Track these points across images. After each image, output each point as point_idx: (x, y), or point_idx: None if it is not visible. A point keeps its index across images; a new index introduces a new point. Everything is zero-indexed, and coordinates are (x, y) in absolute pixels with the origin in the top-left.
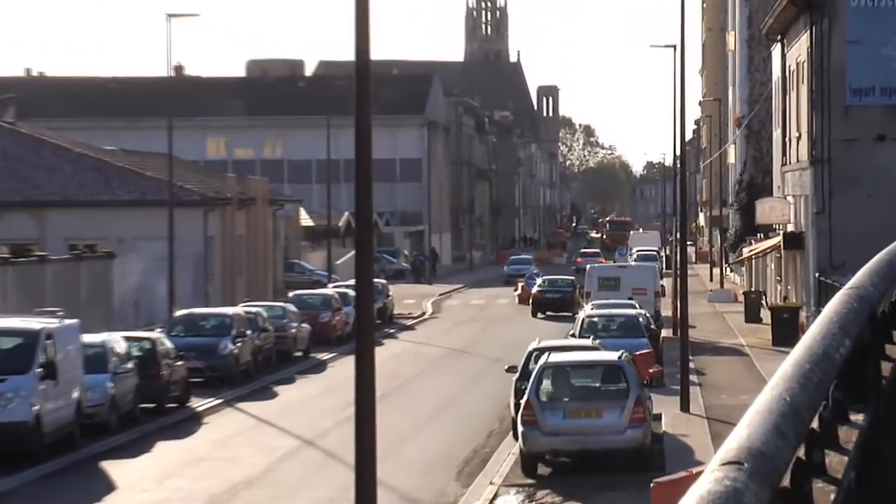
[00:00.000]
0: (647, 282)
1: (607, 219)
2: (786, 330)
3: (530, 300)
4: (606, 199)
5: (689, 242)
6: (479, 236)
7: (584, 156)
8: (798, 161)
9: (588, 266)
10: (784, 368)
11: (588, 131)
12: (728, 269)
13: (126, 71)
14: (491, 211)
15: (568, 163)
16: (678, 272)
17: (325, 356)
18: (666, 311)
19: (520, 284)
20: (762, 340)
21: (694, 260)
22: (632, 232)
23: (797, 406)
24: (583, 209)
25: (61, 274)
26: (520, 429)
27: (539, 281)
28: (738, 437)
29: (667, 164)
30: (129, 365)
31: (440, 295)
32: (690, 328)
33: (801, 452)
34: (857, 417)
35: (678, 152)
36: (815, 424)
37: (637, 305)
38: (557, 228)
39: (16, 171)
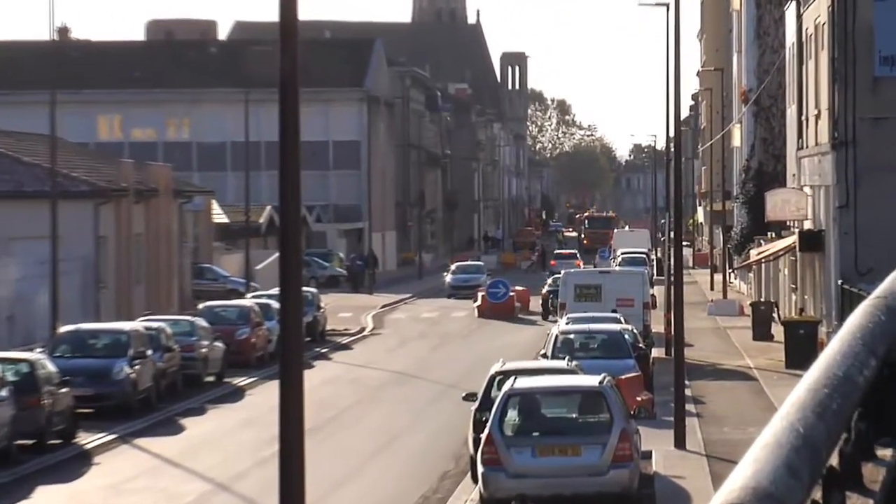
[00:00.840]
0: (635, 291)
1: (586, 214)
2: (802, 349)
3: (542, 302)
4: (585, 191)
5: (684, 243)
6: (430, 236)
7: (558, 138)
8: (817, 144)
9: (563, 271)
10: (797, 394)
11: (563, 108)
12: (732, 275)
13: None
14: (445, 205)
15: (538, 146)
16: (672, 279)
17: (242, 381)
18: (657, 327)
19: (480, 294)
20: (773, 362)
21: (691, 264)
22: (616, 230)
23: (812, 439)
24: (556, 202)
25: None
26: (479, 469)
27: (550, 280)
28: (743, 476)
29: (658, 147)
30: (3, 393)
31: (383, 307)
32: (687, 347)
33: (817, 494)
34: (885, 453)
35: (672, 133)
36: (833, 461)
37: (622, 319)
38: (525, 226)
39: None
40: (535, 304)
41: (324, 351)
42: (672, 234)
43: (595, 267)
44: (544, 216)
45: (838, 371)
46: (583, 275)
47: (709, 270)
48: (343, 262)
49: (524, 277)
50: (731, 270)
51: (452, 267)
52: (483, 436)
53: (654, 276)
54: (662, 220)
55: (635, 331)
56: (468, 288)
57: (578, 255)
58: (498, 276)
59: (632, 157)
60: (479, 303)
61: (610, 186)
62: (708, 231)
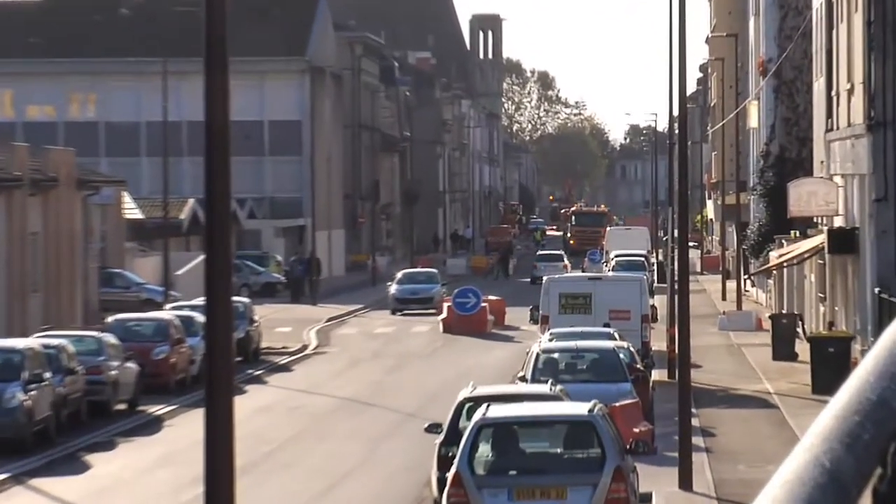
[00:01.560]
0: (631, 301)
1: (573, 209)
2: (832, 370)
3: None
4: (572, 181)
5: (691, 244)
6: (386, 235)
7: (540, 117)
8: (850, 125)
9: (545, 277)
10: (823, 422)
11: (545, 82)
12: (749, 281)
13: None
14: (404, 197)
15: (516, 127)
16: (676, 287)
17: (159, 410)
18: (658, 344)
19: (445, 306)
20: (798, 386)
21: (699, 269)
22: (609, 228)
23: (840, 475)
24: (537, 195)
25: None
26: None
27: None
28: None
29: (659, 129)
30: None
31: (329, 320)
32: (694, 368)
33: None
34: None
35: (676, 112)
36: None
37: (616, 335)
38: (500, 223)
39: None
40: (514, 316)
41: (258, 373)
42: (676, 232)
43: (584, 272)
44: (520, 212)
45: (871, 395)
46: (569, 281)
47: (720, 276)
48: (281, 267)
49: (499, 284)
50: (746, 276)
51: (398, 275)
52: (449, 475)
53: (655, 284)
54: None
55: (632, 349)
56: (419, 301)
57: (565, 258)
58: (467, 283)
59: (627, 140)
60: (444, 315)
61: (602, 176)
62: (719, 229)
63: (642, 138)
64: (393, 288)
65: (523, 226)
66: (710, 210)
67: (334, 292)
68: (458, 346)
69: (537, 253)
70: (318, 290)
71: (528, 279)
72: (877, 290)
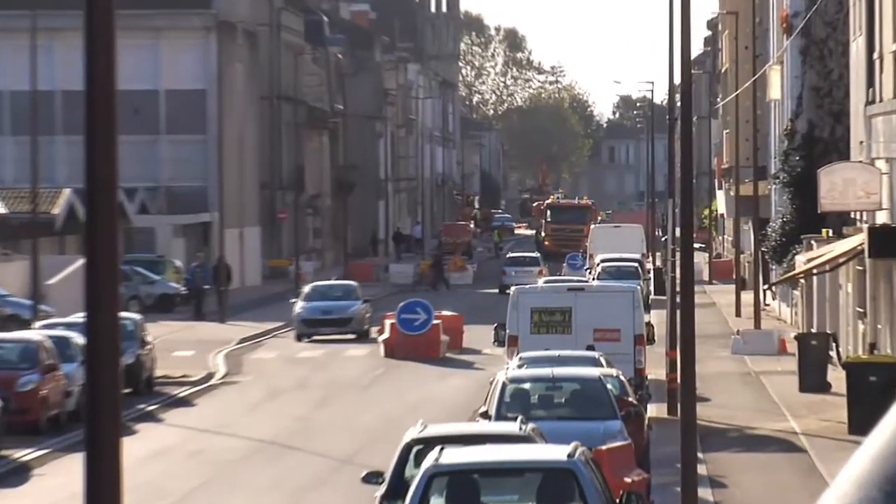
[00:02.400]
0: (622, 317)
1: (548, 201)
2: (873, 404)
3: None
4: (547, 166)
5: (697, 245)
6: (313, 234)
7: (506, 86)
8: (895, 97)
9: (514, 288)
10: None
11: (513, 42)
12: (769, 293)
13: None
14: (335, 187)
15: (477, 99)
16: (678, 299)
17: (27, 455)
18: (656, 371)
19: (388, 323)
20: (831, 424)
21: (707, 277)
22: (594, 226)
23: None
24: (503, 183)
25: None
26: None
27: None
28: None
29: (656, 101)
30: None
31: (242, 342)
32: (700, 402)
33: None
34: None
35: (678, 79)
36: None
37: (603, 361)
38: (457, 219)
39: None
40: (474, 336)
41: (152, 408)
42: (678, 231)
43: (561, 279)
44: (477, 204)
45: None
46: (544, 293)
47: (733, 287)
48: (181, 275)
49: (456, 296)
50: (766, 287)
51: (305, 290)
52: None
53: (652, 296)
54: (663, 212)
55: (622, 377)
56: (332, 323)
57: (542, 261)
58: (415, 294)
59: (617, 115)
60: (386, 335)
61: (584, 159)
62: (732, 227)
63: (635, 113)
64: (298, 306)
65: (481, 222)
66: (720, 203)
67: (248, 306)
68: (403, 373)
69: (507, 255)
70: (227, 304)
71: (496, 289)
72: None
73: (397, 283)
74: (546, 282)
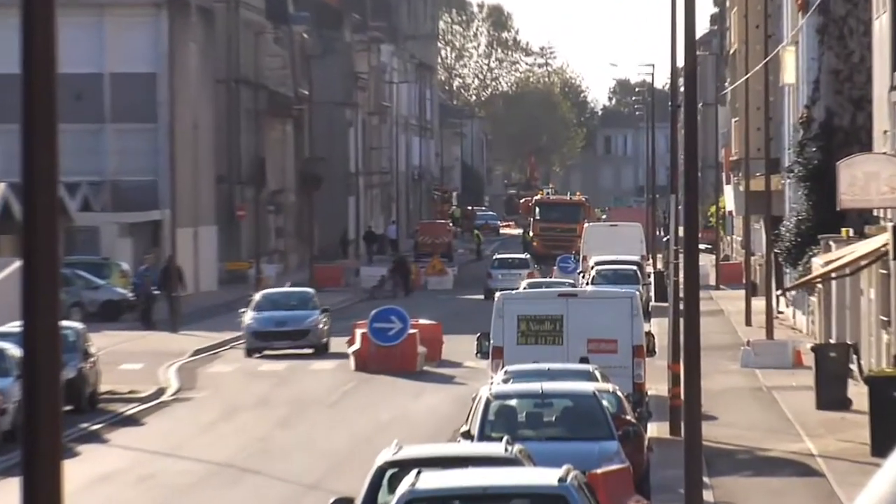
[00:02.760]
0: (619, 326)
1: (537, 197)
2: None
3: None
4: (536, 158)
5: (703, 246)
6: (275, 233)
7: (491, 69)
8: None
9: (498, 294)
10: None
11: (498, 20)
12: (783, 299)
13: None
14: (300, 182)
15: (457, 83)
16: (682, 307)
17: None
18: (657, 386)
19: (359, 333)
20: (851, 445)
21: (714, 281)
22: (588, 224)
23: None
24: (487, 178)
25: None
26: None
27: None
28: None
29: (657, 85)
30: None
31: (196, 354)
32: (707, 420)
33: None
34: None
35: (681, 62)
36: None
37: (598, 374)
38: (435, 217)
39: None
40: (455, 347)
41: (96, 428)
42: (682, 231)
43: (551, 284)
44: (454, 201)
45: None
46: (532, 299)
47: (743, 292)
48: (128, 279)
49: (435, 303)
50: (779, 292)
51: (255, 298)
52: None
53: (652, 302)
54: (665, 209)
55: (620, 393)
56: (287, 336)
57: (530, 265)
58: (388, 301)
59: (613, 101)
60: (356, 347)
61: (577, 150)
62: (741, 226)
63: (634, 99)
64: (248, 317)
65: (462, 220)
66: (728, 199)
67: (202, 314)
68: (375, 388)
69: (494, 257)
70: (179, 312)
71: (480, 294)
72: None
73: (369, 287)
74: (529, 285)
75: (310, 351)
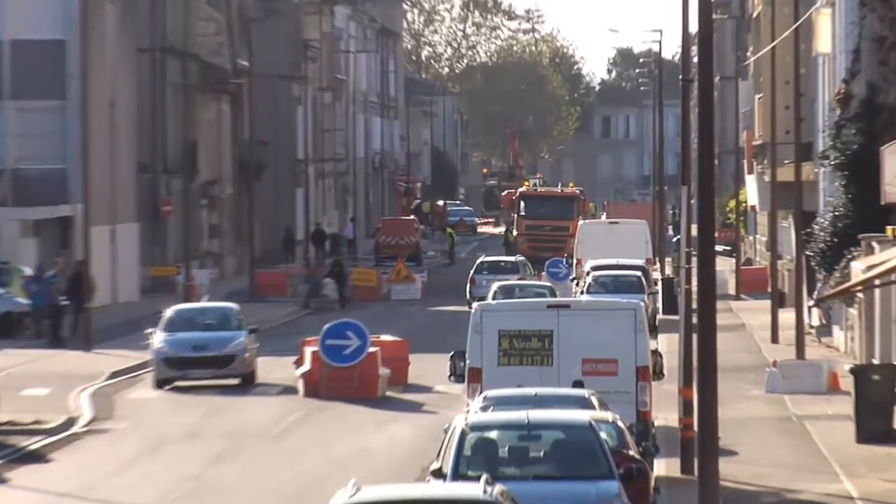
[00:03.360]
0: (620, 343)
1: (521, 189)
2: None
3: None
4: (521, 143)
5: (720, 247)
6: (209, 233)
7: (466, 36)
8: None
9: (476, 305)
10: None
11: None
12: (816, 311)
13: None
14: (239, 171)
15: (427, 53)
16: (694, 320)
17: None
18: (665, 415)
19: (308, 352)
20: None
21: (733, 289)
22: (582, 222)
23: None
24: (463, 166)
25: None
26: None
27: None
28: None
29: (666, 55)
30: None
31: (113, 376)
32: (725, 456)
33: None
34: None
35: (694, 27)
36: None
37: (595, 401)
38: (401, 213)
39: None
40: (424, 368)
41: None
42: (695, 229)
43: (538, 292)
44: (418, 194)
45: None
46: (516, 312)
47: (768, 303)
48: (29, 288)
49: (401, 316)
50: (812, 303)
51: (167, 315)
52: None
53: (660, 315)
54: (675, 205)
55: (621, 423)
56: (206, 363)
57: (526, 267)
58: (343, 314)
59: (613, 74)
60: (306, 368)
61: (570, 133)
62: (767, 225)
63: (638, 72)
64: (158, 339)
65: (434, 217)
66: (751, 192)
67: (121, 329)
68: (329, 418)
69: (481, 260)
70: (91, 327)
71: (458, 304)
72: None
73: (302, 295)
74: (499, 289)
75: (235, 382)
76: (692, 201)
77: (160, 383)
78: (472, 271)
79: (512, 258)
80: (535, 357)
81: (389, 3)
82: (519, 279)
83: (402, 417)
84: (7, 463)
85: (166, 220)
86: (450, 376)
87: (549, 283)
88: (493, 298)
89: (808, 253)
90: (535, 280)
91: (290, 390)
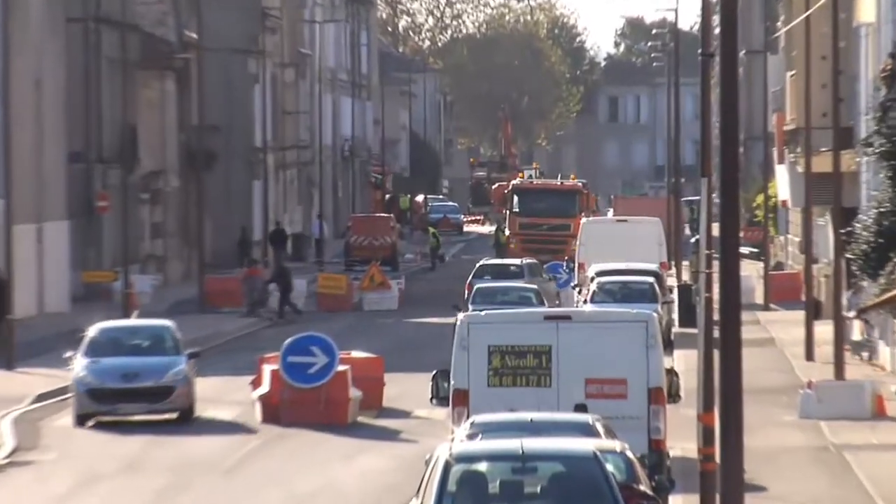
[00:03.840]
0: (629, 361)
1: (514, 181)
2: None
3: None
4: (514, 127)
5: (746, 250)
6: (152, 232)
7: (449, 2)
8: None
9: (461, 317)
10: None
11: None
12: (858, 323)
13: None
14: (187, 161)
15: (404, 24)
16: (716, 334)
17: None
18: (682, 444)
19: (268, 370)
20: None
21: (762, 299)
22: (585, 220)
23: None
24: (445, 154)
25: None
26: None
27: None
28: None
29: (683, 27)
30: None
31: (39, 400)
32: (752, 492)
33: None
34: None
35: None
36: None
37: (600, 428)
38: (373, 210)
39: None
40: (401, 389)
41: None
42: (717, 228)
43: (536, 300)
44: (386, 188)
45: None
46: (508, 324)
47: (802, 314)
48: None
49: (374, 329)
50: (853, 314)
51: (90, 335)
52: None
53: (676, 328)
54: (692, 204)
55: (630, 453)
56: (138, 396)
57: (540, 271)
58: (307, 327)
59: (621, 48)
60: (264, 389)
61: (571, 117)
62: (801, 223)
63: (650, 45)
64: (80, 365)
65: (406, 213)
66: (782, 184)
67: (49, 345)
68: (291, 448)
69: (479, 264)
70: (13, 342)
71: (446, 315)
72: None
73: (247, 303)
74: (477, 292)
75: (173, 416)
76: (714, 195)
77: (81, 419)
78: (470, 276)
79: (517, 261)
80: (530, 377)
81: None
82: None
83: (376, 447)
84: None
85: (101, 218)
86: (431, 399)
87: (535, 286)
88: (472, 303)
89: (848, 255)
90: (550, 283)
91: (245, 415)
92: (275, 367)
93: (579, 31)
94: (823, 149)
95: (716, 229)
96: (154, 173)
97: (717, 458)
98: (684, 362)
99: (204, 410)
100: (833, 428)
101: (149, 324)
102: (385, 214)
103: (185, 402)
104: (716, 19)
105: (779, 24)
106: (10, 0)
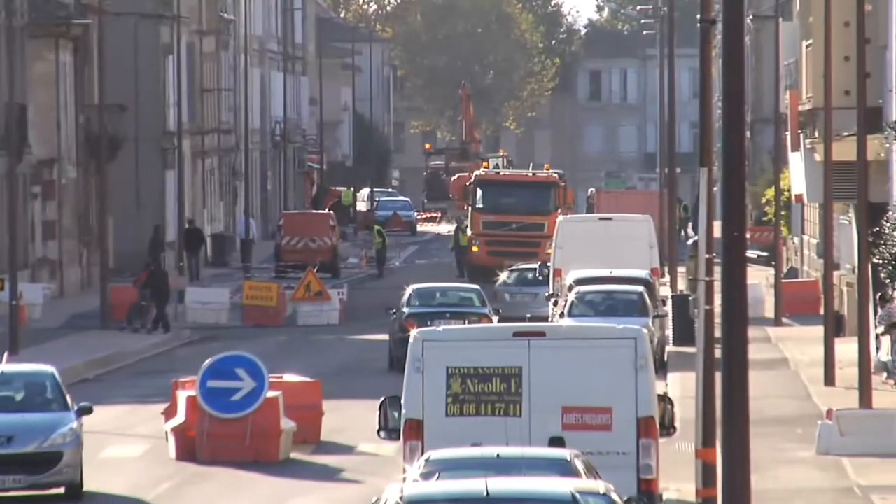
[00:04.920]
0: (614, 385)
1: (478, 172)
2: None
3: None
4: (476, 108)
5: (755, 253)
6: (44, 232)
7: None
8: None
9: (415, 333)
10: None
11: None
12: (886, 340)
13: None
14: (87, 147)
15: None
16: (717, 354)
17: None
18: (678, 484)
19: (183, 397)
20: None
21: (773, 311)
22: (561, 217)
23: None
24: (398, 139)
25: None
26: None
27: None
28: None
29: None
30: None
31: None
32: None
33: None
34: None
35: None
36: None
37: (580, 465)
38: (310, 204)
39: None
40: (345, 420)
41: None
42: (719, 228)
43: (500, 314)
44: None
45: None
46: (471, 342)
47: (821, 329)
48: None
49: (311, 347)
50: (882, 329)
51: None
52: None
53: (670, 346)
54: (690, 199)
55: (615, 495)
56: (12, 466)
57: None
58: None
59: (604, 13)
60: (179, 420)
61: (545, 95)
62: (820, 222)
63: (639, 9)
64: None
65: (348, 210)
66: (797, 175)
67: None
68: (211, 490)
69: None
70: None
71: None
72: None
73: (199, 321)
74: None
75: (59, 491)
76: (715, 189)
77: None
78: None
79: (529, 266)
80: (496, 404)
81: None
82: (547, 296)
83: (313, 488)
84: None
85: None
86: (379, 431)
87: (476, 285)
88: (407, 305)
89: (875, 260)
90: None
91: (156, 452)
92: (192, 392)
93: None
94: (846, 133)
95: (717, 229)
96: (47, 161)
97: (720, 502)
98: (680, 387)
99: (105, 446)
100: (857, 466)
101: (23, 369)
102: (323, 212)
103: (73, 474)
104: None
105: None
106: None
